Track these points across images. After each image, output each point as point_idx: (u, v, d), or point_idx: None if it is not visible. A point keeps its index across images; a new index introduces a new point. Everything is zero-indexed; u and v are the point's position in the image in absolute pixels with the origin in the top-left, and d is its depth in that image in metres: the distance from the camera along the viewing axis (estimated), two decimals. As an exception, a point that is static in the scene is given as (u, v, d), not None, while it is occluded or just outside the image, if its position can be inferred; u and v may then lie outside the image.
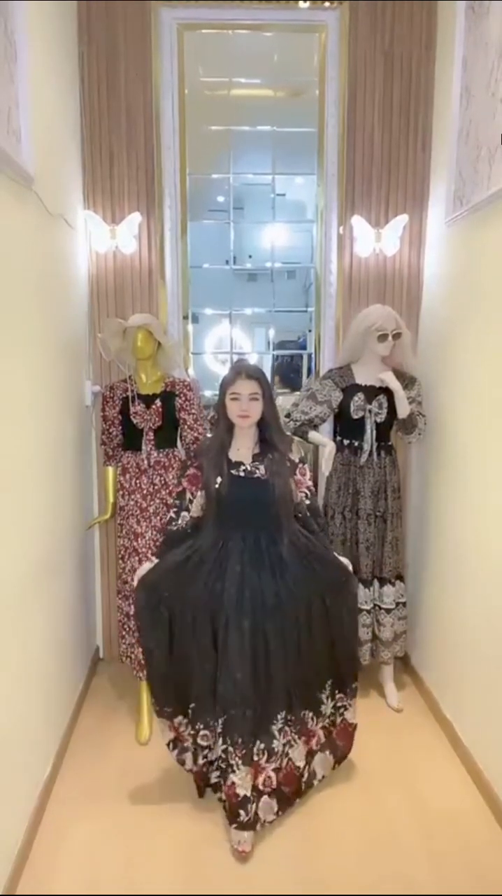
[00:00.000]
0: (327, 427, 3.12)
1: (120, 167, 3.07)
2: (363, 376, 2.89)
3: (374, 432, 2.86)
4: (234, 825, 2.12)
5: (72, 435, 2.82)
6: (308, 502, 2.37)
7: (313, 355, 3.44)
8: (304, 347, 3.61)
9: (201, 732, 2.23)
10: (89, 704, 3.01)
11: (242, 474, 2.23)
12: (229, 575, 2.19)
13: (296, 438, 2.37)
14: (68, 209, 2.76)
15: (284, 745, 2.23)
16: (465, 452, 2.64)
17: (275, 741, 2.19)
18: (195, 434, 2.86)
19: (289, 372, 3.95)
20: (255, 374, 2.19)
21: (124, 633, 2.91)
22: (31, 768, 2.23)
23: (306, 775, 2.33)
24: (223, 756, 2.16)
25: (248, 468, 2.24)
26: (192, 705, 2.23)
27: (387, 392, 2.84)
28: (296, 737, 2.28)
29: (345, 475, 2.91)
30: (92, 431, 3.22)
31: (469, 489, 2.60)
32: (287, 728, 2.24)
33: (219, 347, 3.58)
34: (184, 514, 2.33)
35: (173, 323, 3.25)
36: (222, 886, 2.01)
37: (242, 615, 2.14)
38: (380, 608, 2.94)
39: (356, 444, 2.89)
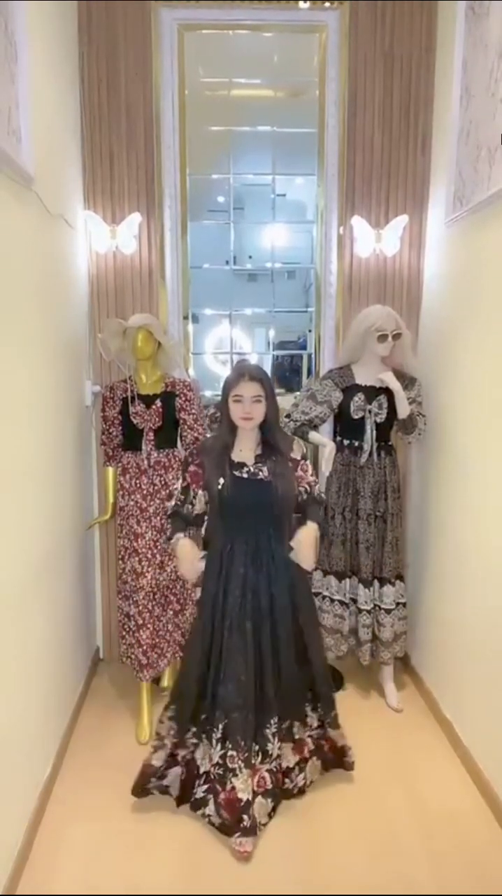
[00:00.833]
0: (327, 427, 3.12)
1: (120, 167, 3.07)
2: (363, 377, 2.89)
3: (374, 432, 2.86)
4: (238, 833, 2.11)
5: (72, 435, 2.82)
6: (307, 494, 2.33)
7: (313, 356, 3.44)
8: (304, 348, 3.61)
9: (188, 739, 2.30)
10: (89, 704, 3.01)
11: (245, 475, 2.21)
12: (233, 577, 2.21)
13: (297, 440, 2.36)
14: (68, 209, 2.77)
15: (278, 747, 2.27)
16: (465, 452, 2.64)
17: (269, 744, 2.22)
18: (195, 434, 2.86)
19: (289, 372, 3.95)
20: (258, 376, 2.16)
21: (124, 633, 2.91)
22: (31, 768, 2.23)
23: (298, 780, 2.36)
24: (221, 762, 2.17)
25: (251, 469, 2.21)
26: (173, 706, 2.31)
27: (387, 392, 2.84)
28: (286, 743, 2.33)
29: (346, 475, 2.91)
30: (92, 431, 3.22)
31: (469, 489, 2.60)
32: (279, 732, 2.28)
33: (220, 348, 3.58)
34: (188, 506, 2.29)
35: (173, 323, 3.25)
36: (222, 886, 2.01)
37: (244, 617, 2.17)
38: (380, 608, 2.94)
39: (356, 444, 2.89)
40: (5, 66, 1.91)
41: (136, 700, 2.91)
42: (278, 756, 2.27)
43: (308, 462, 2.35)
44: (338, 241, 3.21)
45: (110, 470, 2.99)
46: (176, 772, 2.32)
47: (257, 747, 2.20)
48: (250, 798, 2.13)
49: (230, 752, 2.15)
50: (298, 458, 2.30)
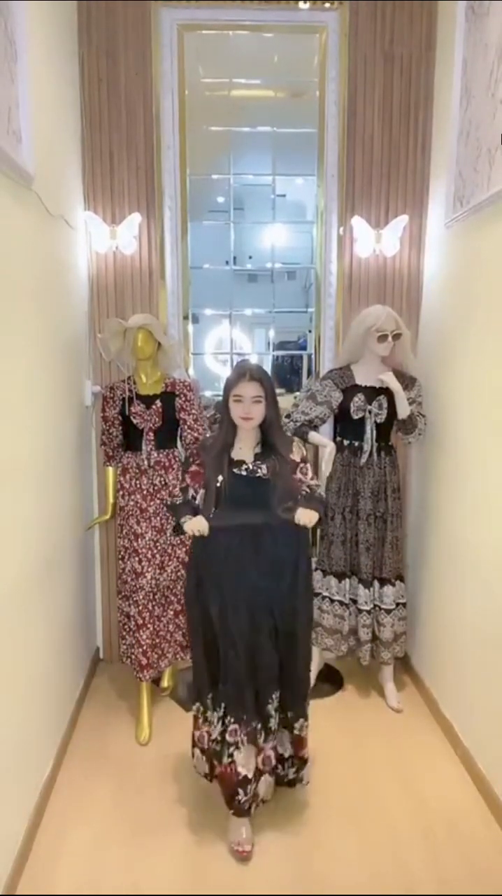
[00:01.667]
0: (327, 428, 3.12)
1: (120, 167, 3.07)
2: (363, 377, 2.89)
3: (374, 433, 2.86)
4: (232, 811, 2.16)
5: (72, 435, 2.82)
6: (305, 493, 2.27)
7: (313, 356, 3.44)
8: (304, 348, 3.61)
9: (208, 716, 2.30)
10: (89, 704, 3.01)
11: (244, 473, 2.20)
12: (228, 569, 2.20)
13: (297, 442, 2.28)
14: (68, 209, 2.77)
15: (278, 723, 2.28)
16: (465, 452, 2.64)
17: (271, 720, 2.23)
18: (195, 434, 2.86)
19: (289, 373, 3.95)
20: (259, 377, 2.13)
21: (124, 633, 2.91)
22: (31, 768, 2.23)
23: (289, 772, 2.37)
24: (220, 738, 2.20)
25: (250, 467, 2.20)
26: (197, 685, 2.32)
27: (387, 392, 2.84)
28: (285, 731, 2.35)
29: (346, 476, 2.91)
30: (92, 432, 3.22)
31: (469, 489, 2.60)
32: (281, 711, 2.29)
33: (220, 348, 3.58)
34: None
35: (173, 323, 3.25)
36: (222, 886, 2.01)
37: (240, 600, 2.17)
38: (380, 608, 2.94)
39: (356, 444, 2.89)
40: (5, 66, 1.91)
41: (136, 700, 2.91)
42: (278, 733, 2.29)
43: (308, 465, 2.29)
44: (337, 242, 3.21)
45: (110, 470, 2.99)
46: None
47: (260, 725, 2.20)
48: (250, 775, 2.15)
49: (231, 727, 2.16)
50: (298, 459, 2.26)
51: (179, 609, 2.90)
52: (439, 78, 3.00)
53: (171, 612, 2.90)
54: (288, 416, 2.92)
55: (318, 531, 3.01)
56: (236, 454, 2.25)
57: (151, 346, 2.78)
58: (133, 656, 2.83)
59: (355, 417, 2.86)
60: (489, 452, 2.41)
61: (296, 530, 2.21)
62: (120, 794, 2.42)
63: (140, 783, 2.49)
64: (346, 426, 2.93)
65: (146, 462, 2.83)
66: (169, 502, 2.31)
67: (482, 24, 2.46)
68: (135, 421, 2.82)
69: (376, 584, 2.94)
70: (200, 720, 2.32)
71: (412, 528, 3.29)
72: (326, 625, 2.98)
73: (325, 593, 2.99)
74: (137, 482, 2.84)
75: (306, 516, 2.16)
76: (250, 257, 3.84)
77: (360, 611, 2.93)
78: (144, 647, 2.77)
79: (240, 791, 2.13)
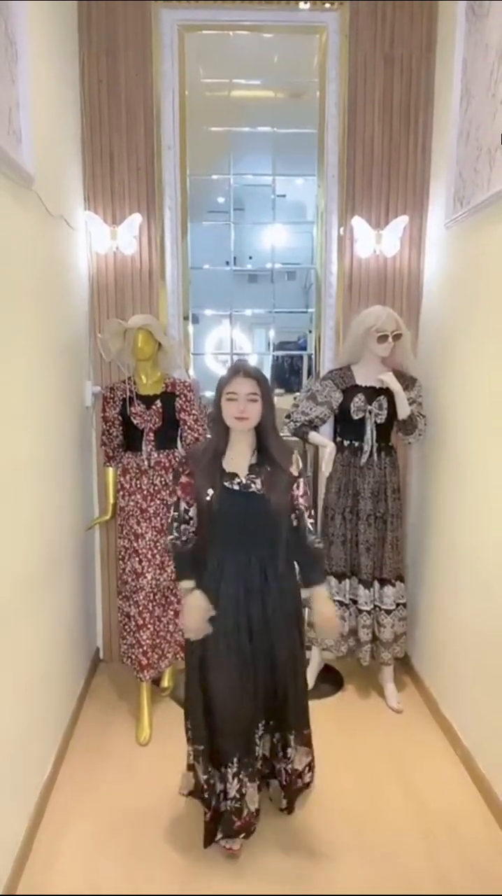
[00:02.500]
0: (327, 428, 3.12)
1: (120, 168, 3.07)
2: (363, 377, 2.89)
3: (374, 433, 2.86)
4: (227, 834, 2.10)
5: (72, 435, 2.82)
6: (295, 524, 2.11)
7: (313, 356, 3.44)
8: (304, 348, 3.61)
9: (207, 767, 2.16)
10: (89, 704, 3.01)
11: (236, 487, 2.00)
12: (225, 597, 2.04)
13: (296, 454, 2.09)
14: (68, 210, 2.77)
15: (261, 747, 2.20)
16: (465, 453, 2.64)
17: (257, 748, 2.14)
18: (195, 434, 2.86)
19: (289, 373, 3.95)
20: (255, 374, 1.98)
21: (124, 633, 2.91)
22: (31, 768, 2.23)
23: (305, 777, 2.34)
24: (238, 795, 2.08)
25: (243, 481, 2.00)
26: (189, 726, 2.19)
27: (388, 393, 2.84)
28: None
29: (346, 476, 2.91)
30: (92, 432, 3.22)
31: (469, 490, 2.60)
32: (271, 738, 2.24)
33: (220, 348, 3.58)
34: (184, 526, 2.11)
35: (173, 324, 3.25)
36: (222, 886, 2.01)
37: (238, 634, 2.05)
38: (381, 609, 2.94)
39: (356, 444, 2.89)
40: (5, 66, 1.91)
41: (136, 700, 2.91)
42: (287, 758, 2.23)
43: (302, 480, 2.11)
44: (338, 242, 3.21)
45: (110, 470, 2.99)
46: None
47: (252, 759, 2.12)
48: (258, 807, 2.15)
49: (244, 780, 2.08)
50: (295, 473, 2.08)
51: (179, 609, 2.90)
52: (439, 78, 3.00)
53: (172, 613, 2.90)
54: (288, 416, 2.92)
55: (318, 531, 3.01)
56: (229, 464, 2.05)
57: (151, 346, 2.79)
58: (133, 656, 2.84)
59: (355, 418, 2.86)
60: (489, 453, 2.41)
61: (294, 600, 2.14)
62: (120, 793, 2.42)
63: (140, 783, 2.48)
64: (346, 426, 2.93)
65: (146, 462, 2.83)
66: (167, 542, 2.14)
67: (482, 25, 2.46)
68: (135, 421, 2.82)
69: (376, 584, 2.94)
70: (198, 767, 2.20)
71: (412, 528, 3.29)
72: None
73: (325, 593, 2.99)
74: (137, 482, 2.84)
75: (332, 630, 2.13)
76: (250, 258, 3.84)
77: (360, 611, 2.93)
78: (144, 648, 2.77)
79: (254, 823, 2.14)
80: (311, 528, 2.12)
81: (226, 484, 2.01)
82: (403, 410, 2.82)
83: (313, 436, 2.91)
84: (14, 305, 2.03)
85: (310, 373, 3.54)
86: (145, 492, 2.83)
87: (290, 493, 2.06)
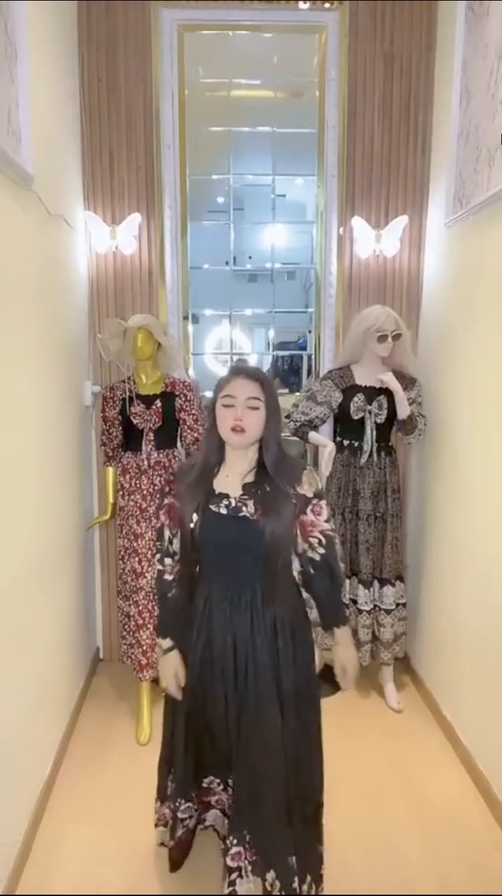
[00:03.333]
0: (327, 428, 3.12)
1: (120, 168, 3.07)
2: (363, 377, 2.89)
3: (374, 433, 2.86)
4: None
5: (72, 435, 2.82)
6: (321, 552, 1.72)
7: (313, 356, 3.44)
8: (304, 348, 3.61)
9: (182, 806, 1.93)
10: (89, 704, 3.01)
11: (224, 511, 1.66)
12: (214, 641, 1.73)
13: (310, 471, 1.74)
14: (68, 209, 2.77)
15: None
16: (465, 453, 2.64)
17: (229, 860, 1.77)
18: (195, 435, 2.86)
19: (289, 373, 3.95)
20: (258, 377, 1.64)
21: (124, 633, 2.91)
22: (31, 768, 2.23)
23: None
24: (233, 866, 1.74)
25: (234, 503, 1.66)
26: (170, 778, 1.96)
27: (387, 393, 2.84)
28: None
29: (345, 476, 2.91)
30: (92, 432, 3.22)
31: (468, 489, 2.60)
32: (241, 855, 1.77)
33: (219, 348, 3.58)
34: (168, 560, 1.81)
35: (173, 323, 3.25)
36: (221, 886, 2.01)
37: (226, 702, 1.74)
38: (380, 609, 2.94)
39: (356, 444, 2.89)
40: (5, 66, 1.91)
41: (136, 700, 2.91)
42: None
43: (324, 502, 1.73)
44: (337, 242, 3.21)
45: (110, 470, 2.99)
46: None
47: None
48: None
49: (234, 849, 1.75)
50: (310, 494, 1.70)
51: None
52: (439, 78, 3.00)
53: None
54: (287, 416, 2.92)
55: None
56: (220, 483, 1.71)
57: (151, 346, 2.78)
58: (133, 656, 2.84)
59: (355, 417, 2.86)
60: (489, 453, 2.41)
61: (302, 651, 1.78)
62: (119, 793, 2.42)
63: (140, 783, 2.48)
64: (346, 426, 2.93)
65: (146, 462, 2.83)
66: (159, 576, 1.85)
67: (482, 24, 2.46)
68: (135, 421, 2.82)
69: (376, 584, 2.94)
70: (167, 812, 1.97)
71: (412, 528, 3.29)
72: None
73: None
74: (137, 482, 2.84)
75: (350, 682, 1.77)
76: (250, 257, 3.84)
77: (360, 611, 2.93)
78: (144, 647, 2.78)
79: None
80: (335, 559, 1.75)
81: (213, 507, 1.67)
82: (403, 410, 2.82)
83: (313, 436, 2.91)
84: (13, 305, 2.03)
85: (309, 373, 3.54)
86: (145, 491, 2.83)
87: (298, 517, 1.70)
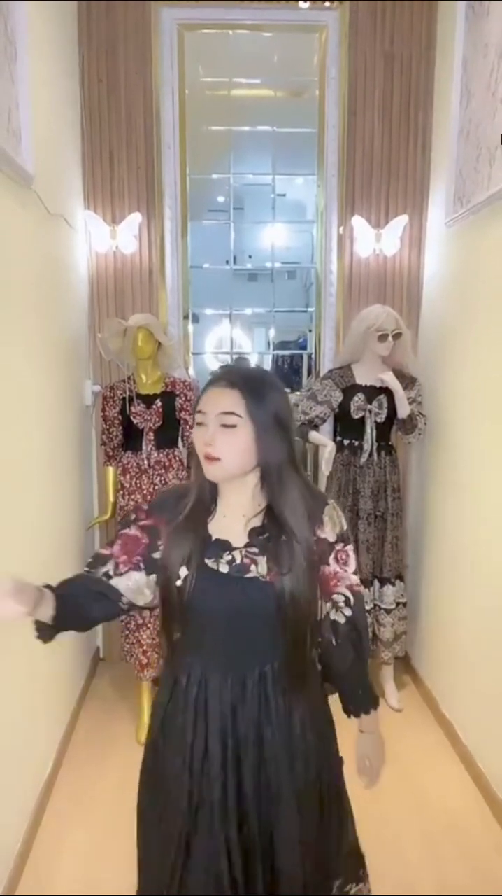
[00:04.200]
0: (327, 427, 3.12)
1: (120, 167, 3.07)
2: (363, 376, 2.89)
3: (374, 432, 2.86)
4: None
5: (72, 435, 2.82)
6: (347, 614, 1.31)
7: (313, 355, 3.44)
8: (304, 348, 3.61)
9: None
10: (89, 704, 3.01)
11: (225, 569, 1.23)
12: (210, 740, 1.28)
13: (332, 506, 1.31)
14: (68, 209, 2.77)
15: None
16: (465, 452, 2.64)
17: None
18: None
19: (289, 372, 3.95)
20: (236, 382, 1.19)
21: (125, 632, 2.91)
22: (31, 768, 2.23)
23: None
24: None
25: (238, 559, 1.23)
26: None
27: (387, 392, 2.84)
28: None
29: (346, 475, 2.91)
30: (92, 431, 3.22)
31: (468, 489, 2.60)
32: None
33: (220, 347, 3.59)
34: (100, 571, 1.32)
35: (173, 323, 3.25)
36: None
37: (224, 812, 1.27)
38: (380, 608, 2.94)
39: (356, 444, 2.89)
40: (5, 66, 1.91)
41: (136, 700, 2.91)
42: None
43: (350, 548, 1.33)
44: (337, 241, 3.20)
45: (110, 470, 2.98)
46: None
47: None
48: None
49: None
50: (332, 538, 1.29)
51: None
52: (439, 77, 3.00)
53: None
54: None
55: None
56: (217, 527, 1.28)
57: (151, 345, 2.78)
58: (133, 656, 2.84)
59: (355, 417, 2.86)
60: (489, 452, 2.41)
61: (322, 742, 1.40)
62: (120, 793, 2.41)
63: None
64: (346, 426, 2.93)
65: (146, 462, 2.83)
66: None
67: (482, 24, 2.46)
68: (135, 421, 2.82)
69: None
70: None
71: (412, 527, 3.29)
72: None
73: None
74: (137, 482, 2.84)
75: (374, 778, 1.47)
76: (250, 257, 3.85)
77: (360, 610, 2.92)
78: (145, 647, 2.78)
79: None
80: (364, 623, 1.34)
81: (210, 562, 1.24)
82: (403, 410, 2.81)
83: (313, 435, 2.91)
84: (13, 305, 2.03)
85: (310, 372, 3.54)
86: (145, 491, 2.83)
87: (320, 571, 1.29)
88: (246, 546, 1.24)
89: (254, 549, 1.24)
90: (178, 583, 1.22)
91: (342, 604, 1.31)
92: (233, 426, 1.17)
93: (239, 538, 1.25)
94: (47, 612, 1.25)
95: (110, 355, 2.87)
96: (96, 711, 2.95)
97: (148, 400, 2.83)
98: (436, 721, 2.87)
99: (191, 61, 3.14)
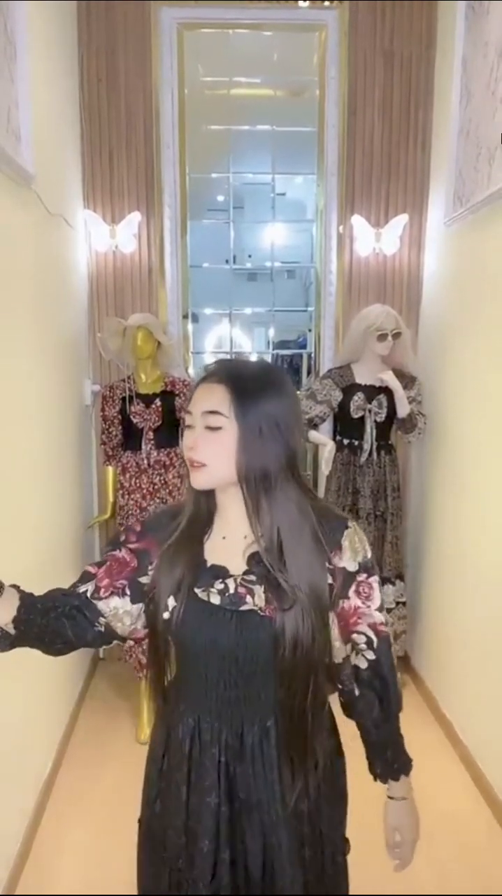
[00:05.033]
0: (327, 427, 3.12)
1: (120, 167, 3.07)
2: (363, 376, 2.89)
3: (374, 431, 2.86)
4: None
5: (71, 434, 2.82)
6: (370, 657, 1.11)
7: (313, 355, 3.44)
8: (304, 347, 3.61)
9: None
10: (89, 704, 3.01)
11: (216, 599, 1.05)
12: (205, 814, 1.10)
13: (354, 527, 1.11)
14: (68, 209, 2.76)
15: None
16: (465, 451, 2.64)
17: None
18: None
19: (289, 372, 3.94)
20: (223, 377, 1.02)
21: (124, 632, 2.91)
22: (31, 768, 2.23)
23: None
24: None
25: (232, 588, 1.05)
26: None
27: (387, 391, 2.84)
28: None
29: (345, 475, 2.91)
30: (92, 431, 3.22)
31: (468, 488, 2.60)
32: None
33: (219, 347, 3.58)
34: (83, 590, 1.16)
35: (173, 322, 3.25)
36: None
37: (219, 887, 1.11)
38: (380, 608, 2.94)
39: (356, 443, 2.89)
40: (5, 66, 1.91)
41: (136, 700, 2.91)
42: None
43: (375, 580, 1.12)
44: (337, 241, 3.20)
45: (110, 469, 2.98)
46: None
47: None
48: None
49: None
50: (352, 567, 1.09)
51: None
52: (439, 76, 3.00)
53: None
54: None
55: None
56: (213, 550, 1.10)
57: (151, 345, 2.78)
58: (133, 655, 2.83)
59: (355, 416, 2.86)
60: (489, 451, 2.41)
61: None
62: (120, 793, 2.41)
63: (140, 782, 2.48)
64: (346, 425, 2.93)
65: (146, 461, 2.83)
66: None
67: (482, 23, 2.45)
68: (134, 420, 2.82)
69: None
70: None
71: (412, 526, 3.29)
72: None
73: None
74: (137, 481, 2.84)
75: (406, 837, 1.28)
76: (250, 256, 3.84)
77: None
78: (144, 646, 2.77)
79: None
80: (391, 669, 1.14)
81: (199, 591, 1.06)
82: (403, 409, 2.82)
83: (313, 434, 2.91)
84: (13, 304, 2.02)
85: (309, 371, 3.54)
86: (145, 491, 2.83)
87: (338, 606, 1.09)
88: (244, 573, 1.05)
89: (251, 577, 1.04)
90: (166, 615, 1.05)
91: (363, 645, 1.11)
92: (219, 428, 1.00)
93: (237, 564, 1.06)
94: (6, 615, 1.09)
95: (110, 355, 2.87)
96: (96, 711, 2.95)
97: (147, 399, 2.83)
98: (436, 721, 2.86)
99: (190, 61, 3.13)
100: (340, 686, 1.15)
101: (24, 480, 2.14)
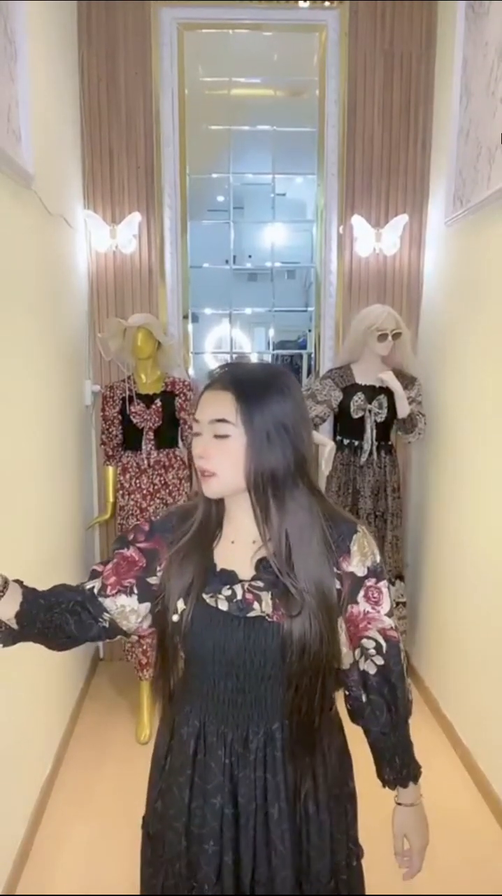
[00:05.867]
0: (327, 427, 3.12)
1: (120, 167, 3.07)
2: (363, 376, 2.89)
3: (374, 432, 2.86)
4: None
5: (72, 435, 2.82)
6: (379, 663, 1.12)
7: (313, 355, 3.44)
8: (304, 347, 3.61)
9: None
10: (89, 704, 3.01)
11: (224, 605, 1.05)
12: (209, 817, 1.11)
13: (362, 531, 1.11)
14: (68, 209, 2.76)
15: None
16: (465, 452, 2.64)
17: None
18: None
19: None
20: (229, 384, 1.03)
21: (124, 632, 2.91)
22: (31, 768, 2.23)
23: None
24: None
25: (240, 594, 1.05)
26: None
27: (387, 392, 2.84)
28: None
29: (345, 475, 2.91)
30: (92, 431, 3.22)
31: (468, 488, 2.60)
32: None
33: (219, 347, 3.59)
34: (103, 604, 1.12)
35: (173, 322, 3.25)
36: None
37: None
38: (380, 608, 2.94)
39: (356, 443, 2.89)
40: (5, 65, 1.91)
41: (136, 699, 2.91)
42: None
43: (384, 584, 1.12)
44: (337, 241, 3.20)
45: (110, 469, 2.98)
46: None
47: None
48: None
49: None
50: (360, 573, 1.09)
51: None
52: (439, 77, 3.00)
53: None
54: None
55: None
56: (223, 554, 1.10)
57: (151, 345, 2.78)
58: (133, 655, 2.84)
59: (355, 416, 2.86)
60: (489, 451, 2.41)
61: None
62: (120, 793, 2.42)
63: (140, 782, 2.48)
64: (346, 425, 2.93)
65: (146, 461, 2.83)
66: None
67: (482, 23, 2.45)
68: (134, 420, 2.82)
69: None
70: None
71: (412, 527, 3.29)
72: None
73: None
74: (137, 482, 2.84)
75: (415, 844, 1.31)
76: (250, 256, 3.84)
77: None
78: (145, 646, 2.78)
79: None
80: (400, 676, 1.14)
81: (207, 596, 1.06)
82: (403, 409, 2.82)
83: (313, 434, 2.91)
84: (13, 305, 2.03)
85: (309, 372, 3.54)
86: (145, 491, 2.83)
87: (347, 611, 1.10)
88: (252, 579, 1.06)
89: (259, 583, 1.05)
90: (175, 618, 1.06)
91: (372, 651, 1.11)
92: (226, 436, 1.01)
93: (246, 569, 1.07)
94: (9, 609, 1.10)
95: (110, 355, 2.87)
96: (96, 711, 2.96)
97: (147, 399, 2.83)
98: (436, 721, 2.86)
99: (190, 61, 3.13)
100: (347, 692, 1.16)
101: (24, 480, 2.14)
